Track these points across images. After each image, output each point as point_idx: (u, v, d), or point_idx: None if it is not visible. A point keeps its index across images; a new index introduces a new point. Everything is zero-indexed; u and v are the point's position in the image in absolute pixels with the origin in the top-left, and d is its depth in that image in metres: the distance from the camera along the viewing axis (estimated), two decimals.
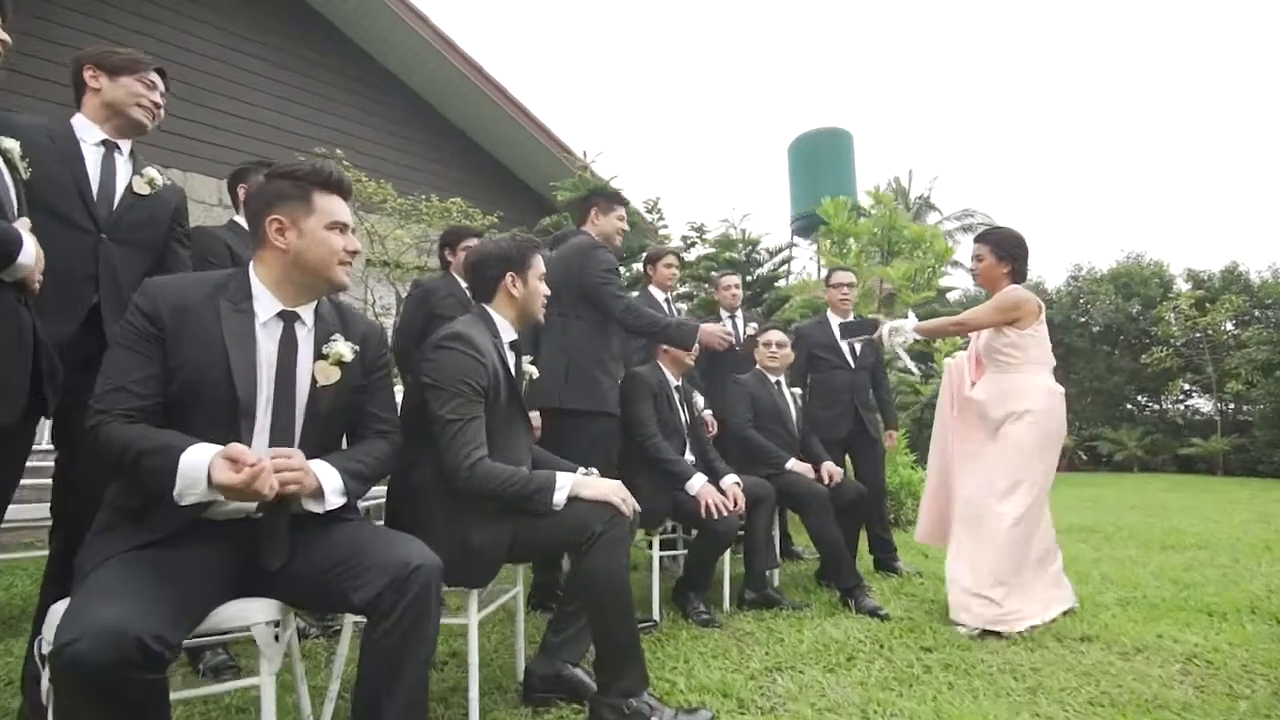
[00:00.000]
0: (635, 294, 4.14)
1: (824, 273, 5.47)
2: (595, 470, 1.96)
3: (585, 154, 6.14)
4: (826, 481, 3.18)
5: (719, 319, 4.25)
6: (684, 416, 3.02)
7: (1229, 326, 14.57)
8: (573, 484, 1.71)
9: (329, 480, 1.35)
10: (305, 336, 1.43)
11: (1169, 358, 14.72)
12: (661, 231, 8.12)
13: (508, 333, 1.86)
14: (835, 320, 3.76)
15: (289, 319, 1.40)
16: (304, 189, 1.39)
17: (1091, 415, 16.11)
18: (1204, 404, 15.38)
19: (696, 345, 2.84)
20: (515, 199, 7.91)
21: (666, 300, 3.98)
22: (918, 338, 2.95)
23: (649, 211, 8.12)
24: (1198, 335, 14.51)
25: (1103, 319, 16.04)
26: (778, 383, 3.42)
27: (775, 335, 3.41)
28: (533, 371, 2.01)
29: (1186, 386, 15.30)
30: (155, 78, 1.97)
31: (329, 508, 1.35)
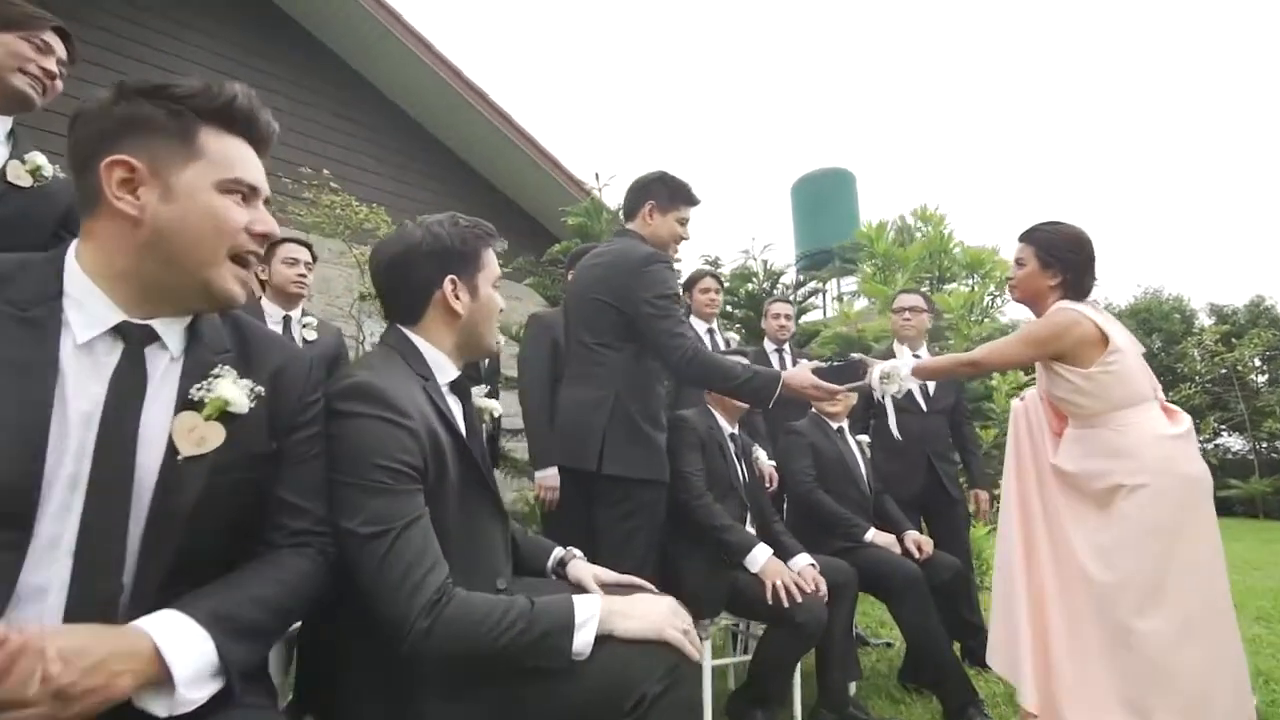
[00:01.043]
0: None
1: (856, 304, 4.89)
2: (577, 553, 1.39)
3: (598, 177, 5.62)
4: (916, 555, 2.53)
5: (763, 353, 3.65)
6: (741, 474, 2.39)
7: (1257, 362, 14.06)
8: (601, 613, 1.03)
9: (184, 652, 0.72)
10: (165, 371, 0.82)
11: (1196, 395, 14.13)
12: (675, 265, 7.59)
13: (445, 370, 1.22)
14: (903, 352, 3.15)
15: (135, 339, 0.80)
16: (183, 121, 0.82)
17: None
18: (1235, 443, 14.74)
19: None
20: (516, 227, 7.40)
21: (710, 332, 3.38)
22: (915, 383, 2.26)
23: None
24: (1224, 372, 13.99)
25: None
26: (840, 430, 2.79)
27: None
28: (493, 408, 1.38)
29: (1217, 425, 14.66)
30: (51, 39, 1.53)
31: (185, 707, 0.72)
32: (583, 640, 0.99)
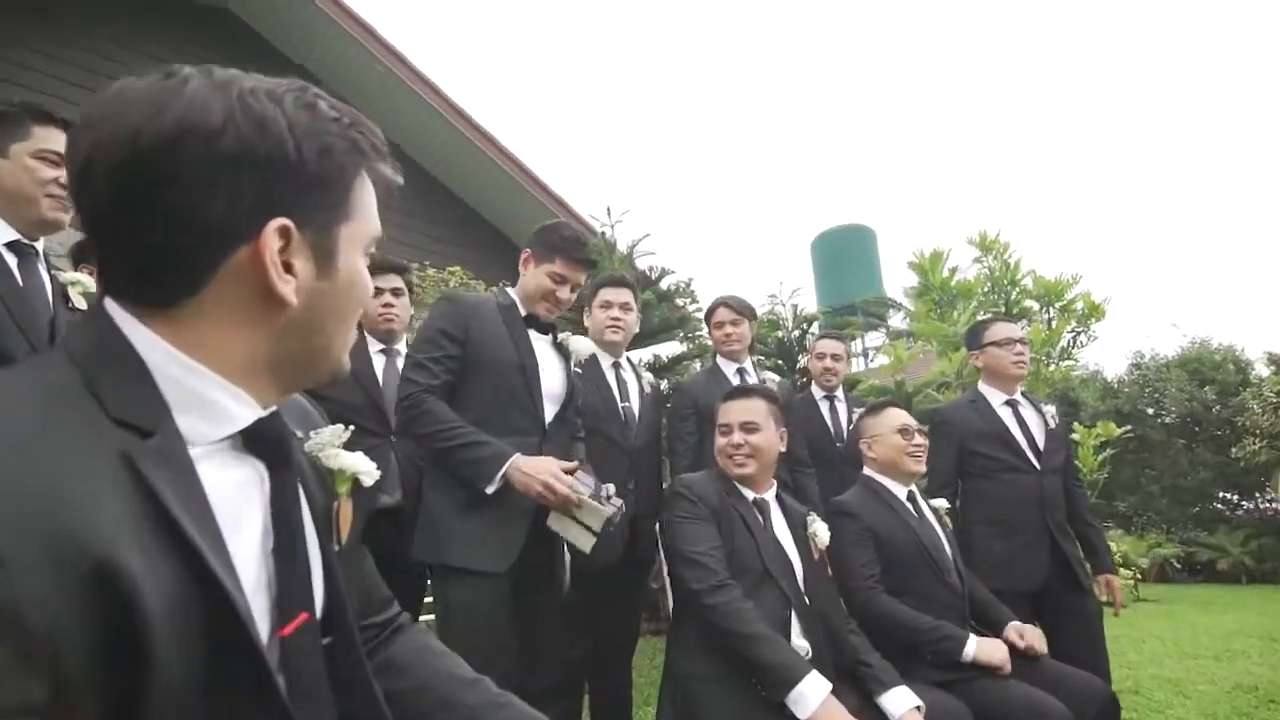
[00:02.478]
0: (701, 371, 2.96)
1: (906, 344, 4.23)
2: None
3: (609, 212, 5.14)
4: (1022, 648, 1.86)
5: (810, 401, 2.99)
6: (790, 557, 1.72)
7: None
8: None
9: None
10: None
11: (1262, 450, 13.03)
12: (696, 317, 7.06)
13: (223, 415, 0.60)
14: (995, 396, 2.47)
15: None
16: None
17: (1176, 517, 14.28)
18: None
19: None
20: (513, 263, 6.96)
21: (740, 372, 2.74)
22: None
23: (679, 295, 7.10)
24: None
25: (1177, 409, 14.56)
26: (911, 495, 2.09)
27: (896, 417, 2.13)
28: (360, 471, 0.77)
29: None
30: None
31: None
32: None
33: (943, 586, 1.94)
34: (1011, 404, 2.44)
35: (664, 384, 4.82)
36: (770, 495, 1.85)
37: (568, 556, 1.95)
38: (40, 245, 1.50)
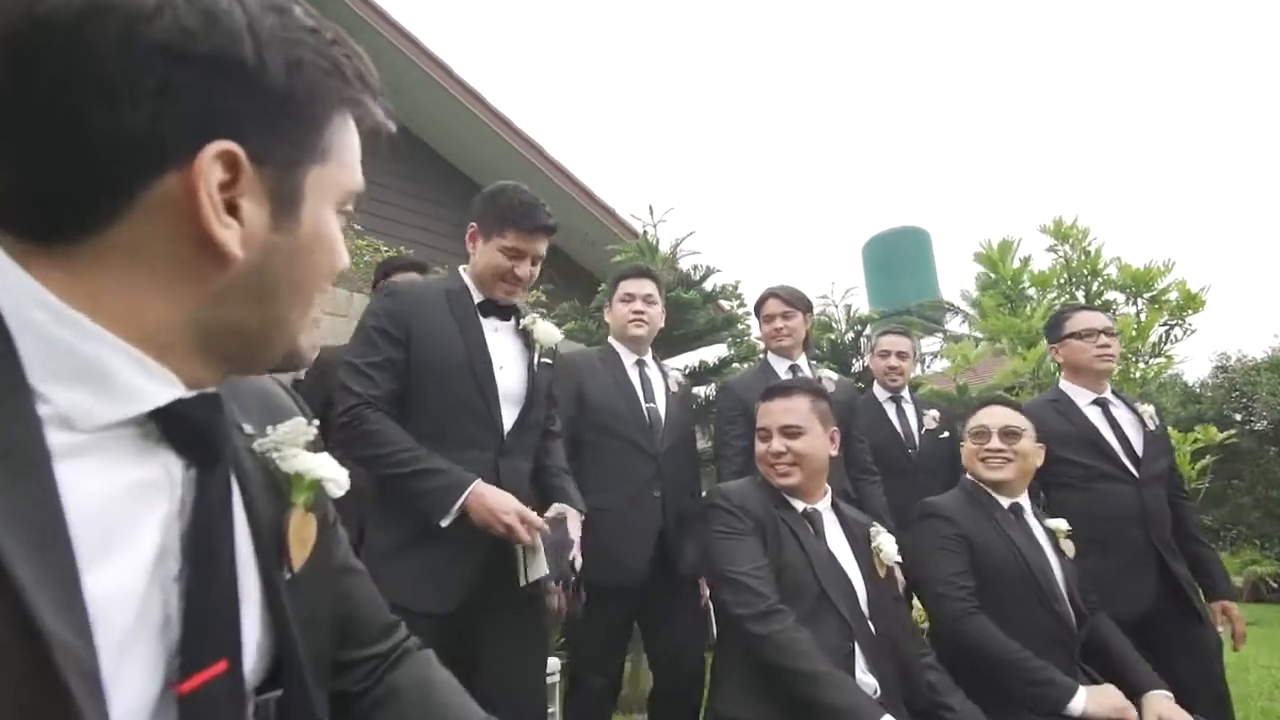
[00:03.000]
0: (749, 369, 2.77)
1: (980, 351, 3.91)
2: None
3: (652, 210, 4.98)
4: None
5: (874, 403, 2.76)
6: (850, 576, 1.50)
7: None
8: None
9: None
10: None
11: None
12: (743, 323, 6.84)
13: (124, 385, 0.47)
14: (1081, 395, 2.19)
15: None
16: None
17: (1270, 531, 13.13)
18: None
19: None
20: (562, 284, 6.88)
21: (793, 369, 2.53)
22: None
23: (727, 299, 6.89)
24: None
25: (1268, 415, 13.44)
26: (1014, 507, 1.84)
27: (1001, 415, 1.88)
28: (330, 479, 0.64)
29: None
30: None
31: None
32: None
33: (1047, 614, 1.66)
34: (1101, 403, 2.16)
35: (707, 390, 4.65)
36: (824, 505, 1.64)
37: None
38: None
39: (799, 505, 1.60)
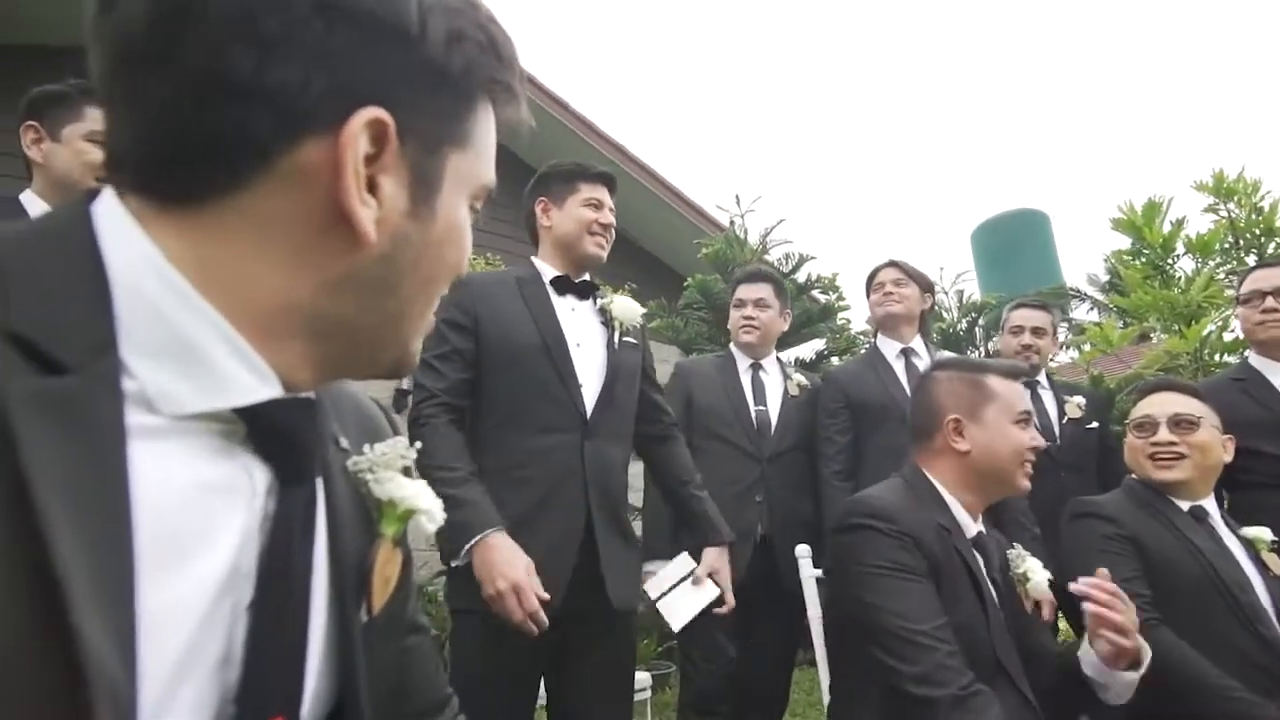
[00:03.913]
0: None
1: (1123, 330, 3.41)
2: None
3: (739, 200, 4.78)
4: None
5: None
6: (990, 603, 1.23)
7: None
8: None
9: None
10: None
11: None
12: (841, 314, 6.48)
13: (223, 372, 0.39)
14: (1274, 370, 1.80)
15: None
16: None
17: None
18: None
19: None
20: (644, 275, 6.79)
21: (906, 353, 2.29)
22: None
23: (824, 292, 6.53)
24: None
25: None
26: (1196, 511, 1.50)
27: (1171, 401, 1.55)
28: (425, 512, 0.51)
29: None
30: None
31: None
32: None
33: (1253, 640, 1.33)
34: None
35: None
36: (980, 526, 1.32)
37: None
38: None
39: (971, 526, 1.28)
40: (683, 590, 1.54)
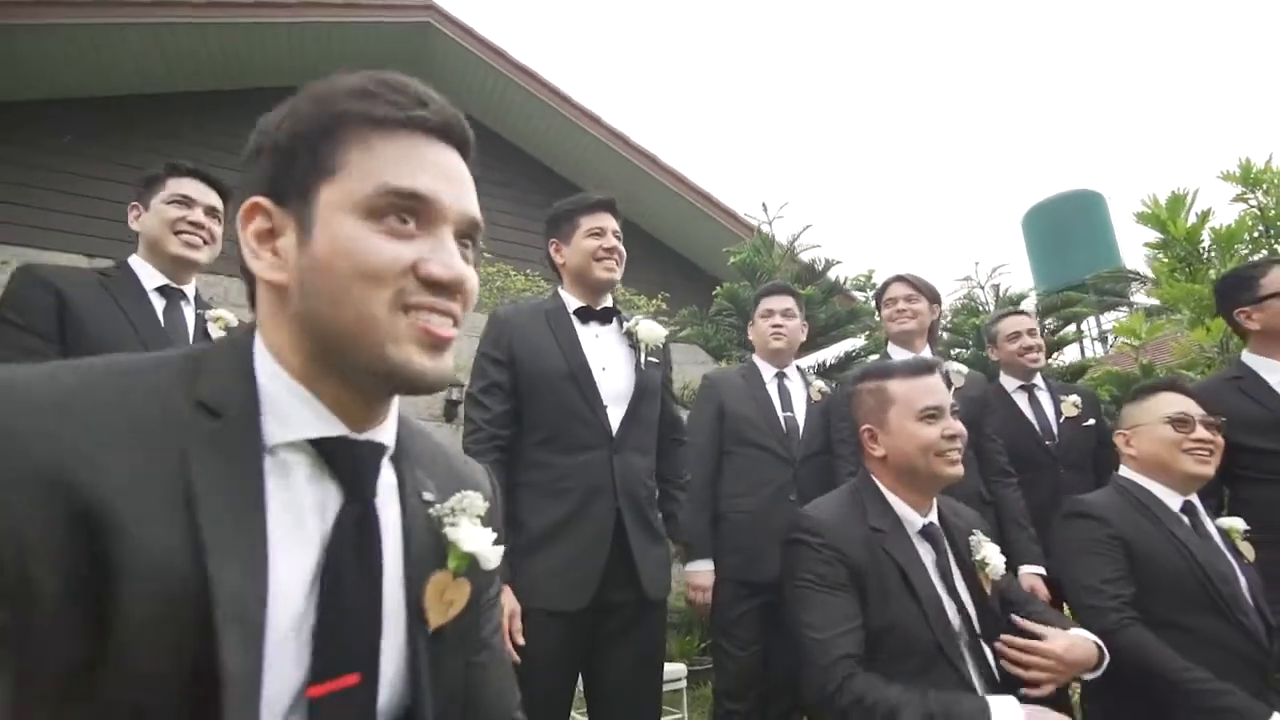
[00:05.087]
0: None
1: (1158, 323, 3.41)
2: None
3: (765, 208, 4.91)
4: None
5: (1002, 393, 2.53)
6: (963, 598, 1.37)
7: None
8: None
9: None
10: None
11: None
12: (871, 306, 6.52)
13: (293, 414, 0.59)
14: (1272, 370, 1.85)
15: None
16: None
17: None
18: None
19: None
20: (680, 284, 6.93)
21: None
22: None
23: (859, 289, 6.58)
24: None
25: None
26: (1186, 507, 1.59)
27: (1168, 403, 1.64)
28: (484, 554, 0.68)
29: None
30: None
31: None
32: None
33: (1231, 629, 1.43)
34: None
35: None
36: (931, 518, 1.44)
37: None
38: (191, 289, 1.63)
39: (916, 520, 1.40)
40: None
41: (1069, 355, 5.35)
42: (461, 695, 0.66)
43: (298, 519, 0.54)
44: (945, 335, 5.81)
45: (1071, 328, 5.25)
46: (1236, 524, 1.62)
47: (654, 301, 5.05)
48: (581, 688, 1.72)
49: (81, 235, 5.04)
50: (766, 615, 2.05)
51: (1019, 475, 2.28)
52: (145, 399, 0.50)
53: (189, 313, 1.61)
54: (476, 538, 0.64)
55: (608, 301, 1.81)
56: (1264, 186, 3.04)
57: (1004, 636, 1.24)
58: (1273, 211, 2.99)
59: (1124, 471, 1.69)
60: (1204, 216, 3.07)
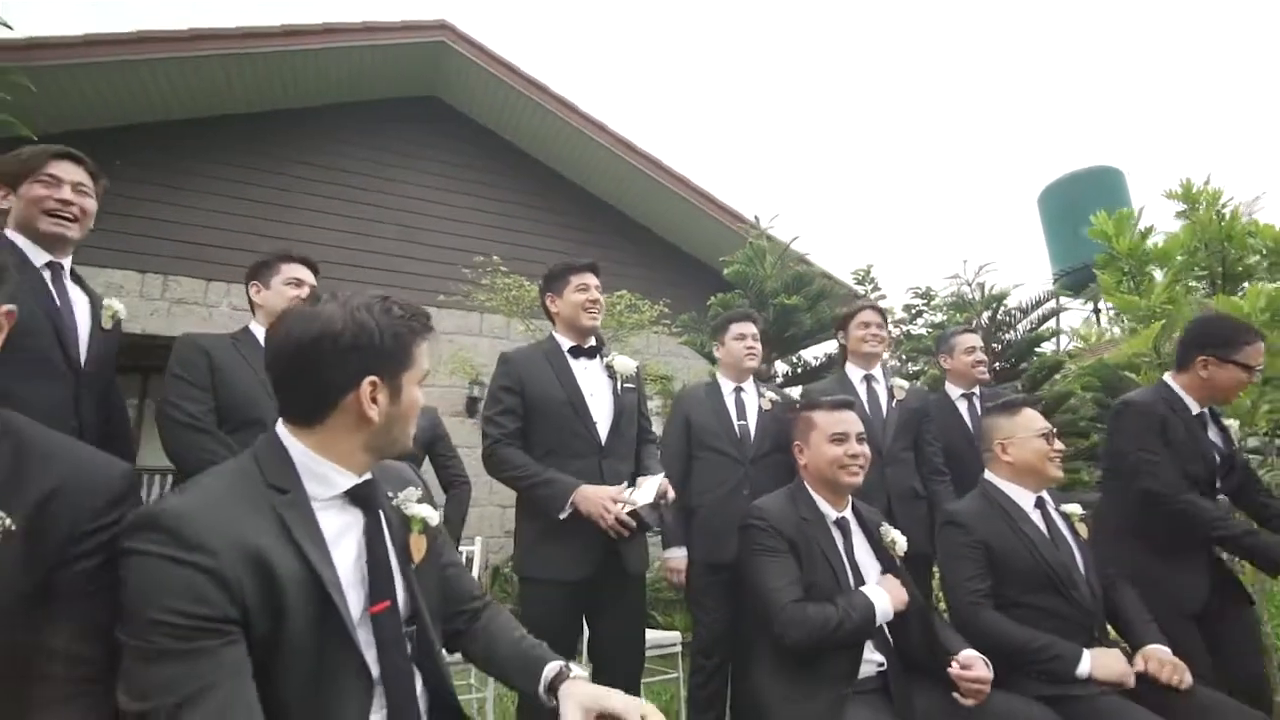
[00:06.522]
0: (827, 379, 3.05)
1: (1103, 329, 3.73)
2: (576, 671, 1.09)
3: (757, 219, 5.26)
4: (1163, 679, 1.68)
5: (945, 401, 2.91)
6: (873, 574, 1.81)
7: None
8: None
9: None
10: None
11: None
12: (881, 304, 6.83)
13: (330, 483, 1.01)
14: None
15: None
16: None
17: None
18: None
19: None
20: (683, 282, 7.31)
21: (867, 378, 2.80)
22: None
23: (860, 283, 6.91)
24: None
25: None
26: (1040, 503, 1.98)
27: (1037, 419, 2.02)
28: (426, 517, 1.15)
29: None
30: (59, 169, 1.68)
31: None
32: None
33: (1065, 602, 1.83)
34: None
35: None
36: (844, 513, 1.89)
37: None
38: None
39: (832, 514, 1.87)
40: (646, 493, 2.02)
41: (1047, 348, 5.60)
42: (438, 595, 1.16)
43: (340, 531, 1.00)
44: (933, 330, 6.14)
45: (1051, 323, 5.53)
46: (1074, 509, 2.00)
47: (656, 306, 5.44)
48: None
49: (133, 253, 5.56)
50: (729, 589, 2.45)
51: (954, 471, 2.68)
52: (252, 485, 0.95)
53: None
54: (422, 510, 1.14)
55: (592, 341, 2.23)
56: (1202, 204, 3.35)
57: (955, 675, 1.61)
58: (1206, 230, 3.30)
59: (990, 475, 2.04)
60: (1144, 234, 3.38)
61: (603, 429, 2.11)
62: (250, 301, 2.10)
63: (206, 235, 5.78)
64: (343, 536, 1.00)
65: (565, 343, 2.20)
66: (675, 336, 5.82)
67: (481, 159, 7.02)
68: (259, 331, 2.07)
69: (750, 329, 2.74)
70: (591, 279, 2.19)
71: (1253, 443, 3.57)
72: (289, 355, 0.97)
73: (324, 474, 1.00)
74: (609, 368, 2.22)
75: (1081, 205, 15.97)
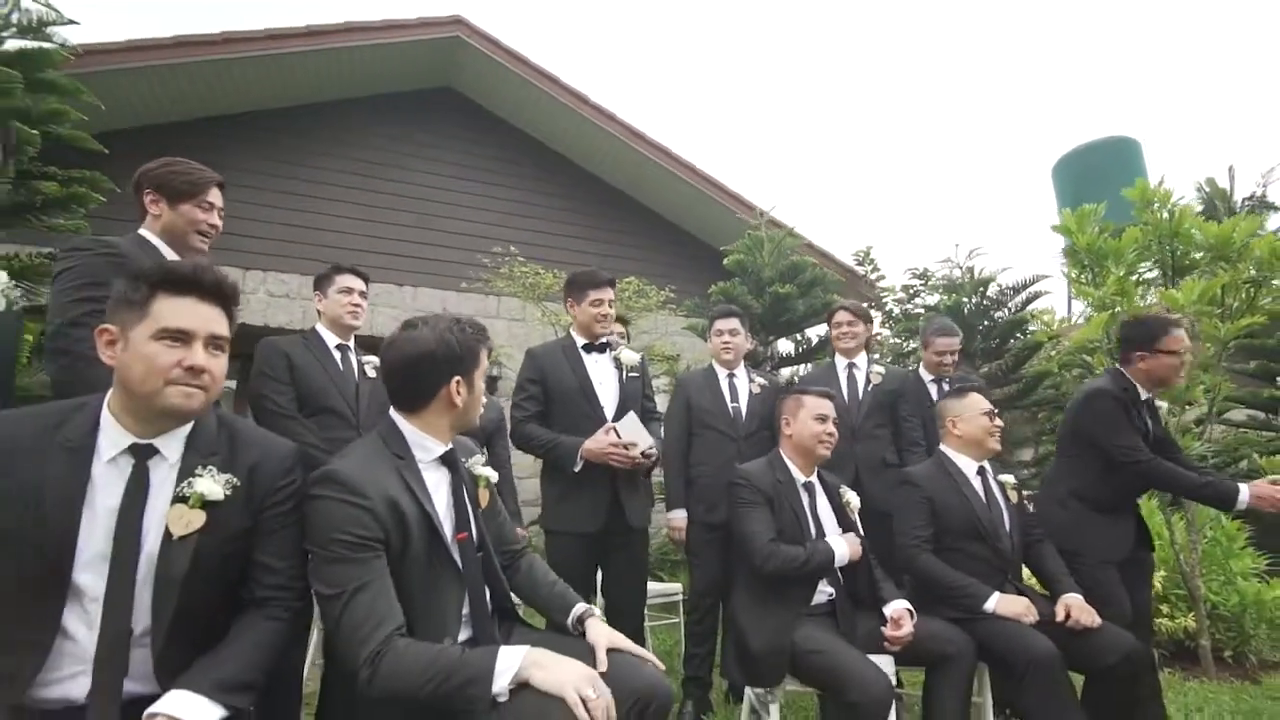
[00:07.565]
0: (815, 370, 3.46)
1: (1081, 311, 4.09)
2: (596, 612, 1.51)
3: (761, 213, 5.61)
4: (1067, 621, 2.09)
5: (918, 381, 3.34)
6: (814, 527, 2.24)
7: None
8: (521, 664, 1.18)
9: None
10: (165, 476, 1.13)
11: None
12: (880, 285, 7.18)
13: (429, 449, 1.45)
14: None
15: (141, 455, 1.12)
16: (142, 289, 1.13)
17: None
18: None
19: None
20: (689, 264, 7.68)
21: (850, 366, 3.25)
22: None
23: (860, 263, 7.24)
24: None
25: None
26: (981, 470, 2.40)
27: (982, 402, 2.44)
28: (487, 476, 1.59)
29: None
30: (215, 196, 1.91)
31: None
32: (500, 685, 1.16)
33: (989, 550, 2.27)
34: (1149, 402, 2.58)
35: (797, 370, 5.27)
36: (810, 477, 2.34)
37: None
38: (351, 343, 2.60)
39: (800, 478, 2.31)
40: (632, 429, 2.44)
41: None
42: (496, 533, 1.59)
43: (437, 483, 1.45)
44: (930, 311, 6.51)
45: (1035, 304, 5.87)
46: (1008, 479, 2.44)
47: (663, 292, 5.82)
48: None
49: None
50: (721, 545, 2.87)
51: (926, 443, 3.11)
52: (382, 453, 1.39)
53: (353, 359, 2.58)
54: (486, 471, 1.59)
55: (602, 339, 2.66)
56: (1156, 203, 3.69)
57: (888, 636, 2.02)
58: (1161, 227, 3.65)
59: (943, 447, 2.48)
60: (1103, 230, 3.74)
61: (609, 412, 2.55)
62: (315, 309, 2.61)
63: (241, 226, 6.18)
64: (438, 487, 1.45)
65: (579, 340, 2.64)
66: (683, 318, 6.23)
67: (496, 148, 7.35)
68: (324, 333, 2.56)
69: (729, 325, 3.11)
70: (608, 294, 2.60)
71: (1193, 414, 3.97)
72: (401, 369, 1.42)
73: (425, 444, 1.44)
74: (616, 360, 2.65)
75: (1098, 176, 15.67)
